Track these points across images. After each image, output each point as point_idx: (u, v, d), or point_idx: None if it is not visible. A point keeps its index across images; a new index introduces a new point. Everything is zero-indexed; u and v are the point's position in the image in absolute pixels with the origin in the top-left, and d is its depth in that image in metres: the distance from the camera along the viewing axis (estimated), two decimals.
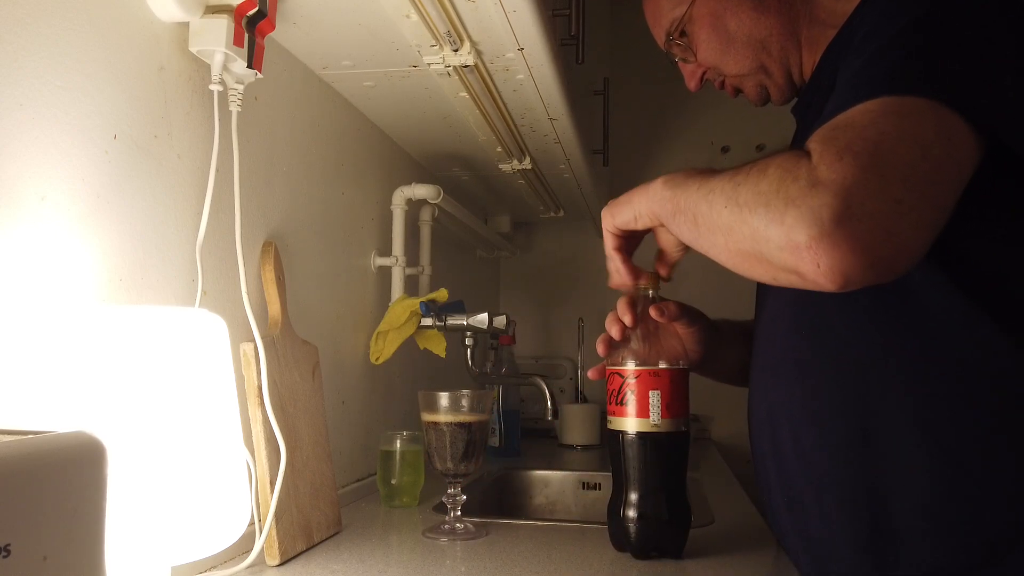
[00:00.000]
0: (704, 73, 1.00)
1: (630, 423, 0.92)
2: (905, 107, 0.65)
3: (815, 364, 0.81)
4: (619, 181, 2.46)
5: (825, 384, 0.79)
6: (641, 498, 0.93)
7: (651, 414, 0.92)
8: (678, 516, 0.94)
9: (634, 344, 0.93)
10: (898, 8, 0.73)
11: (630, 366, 0.93)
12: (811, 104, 0.91)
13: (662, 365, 0.93)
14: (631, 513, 0.93)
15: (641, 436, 0.92)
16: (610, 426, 0.95)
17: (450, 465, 1.09)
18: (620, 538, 0.95)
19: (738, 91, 1.01)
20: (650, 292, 0.94)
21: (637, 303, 0.94)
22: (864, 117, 0.66)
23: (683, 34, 0.98)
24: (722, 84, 1.00)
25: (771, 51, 0.93)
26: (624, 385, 0.93)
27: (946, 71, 0.67)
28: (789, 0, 0.93)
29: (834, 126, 0.67)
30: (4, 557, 0.37)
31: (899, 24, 0.71)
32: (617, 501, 0.95)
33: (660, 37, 1.01)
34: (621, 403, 0.93)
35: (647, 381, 0.92)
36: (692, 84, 1.02)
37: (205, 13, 0.83)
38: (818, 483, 0.79)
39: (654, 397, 0.92)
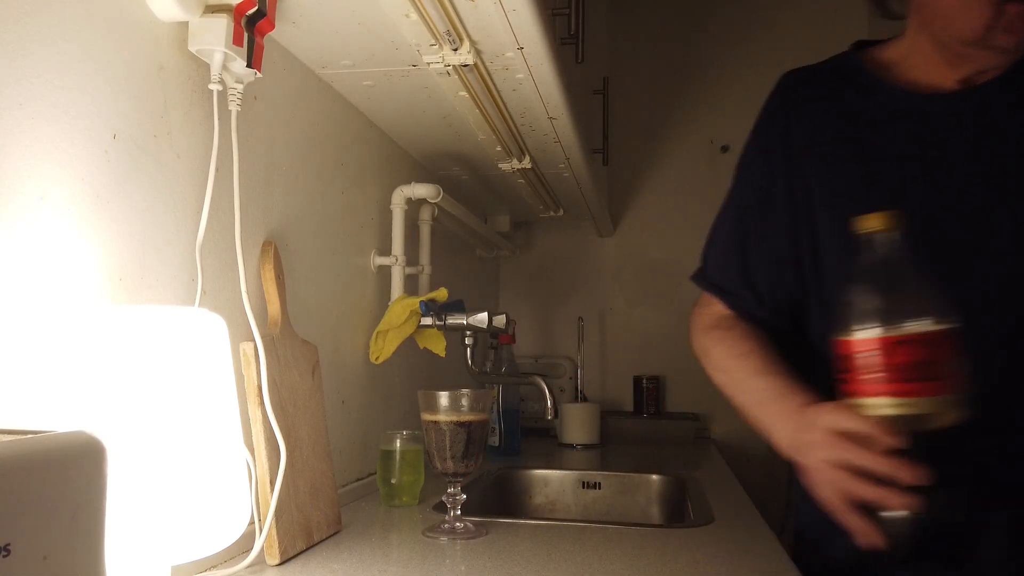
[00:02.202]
0: None
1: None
2: None
3: None
4: (619, 181, 2.47)
5: None
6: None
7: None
8: None
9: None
10: None
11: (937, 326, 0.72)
12: None
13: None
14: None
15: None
16: (920, 410, 0.74)
17: (450, 464, 1.09)
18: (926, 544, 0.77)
19: None
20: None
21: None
22: None
23: None
24: None
25: None
26: (933, 353, 0.73)
27: None
28: None
29: None
30: (4, 557, 0.37)
31: None
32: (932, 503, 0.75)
33: None
34: (932, 378, 0.73)
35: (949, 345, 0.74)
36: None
37: (204, 12, 0.83)
38: None
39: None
